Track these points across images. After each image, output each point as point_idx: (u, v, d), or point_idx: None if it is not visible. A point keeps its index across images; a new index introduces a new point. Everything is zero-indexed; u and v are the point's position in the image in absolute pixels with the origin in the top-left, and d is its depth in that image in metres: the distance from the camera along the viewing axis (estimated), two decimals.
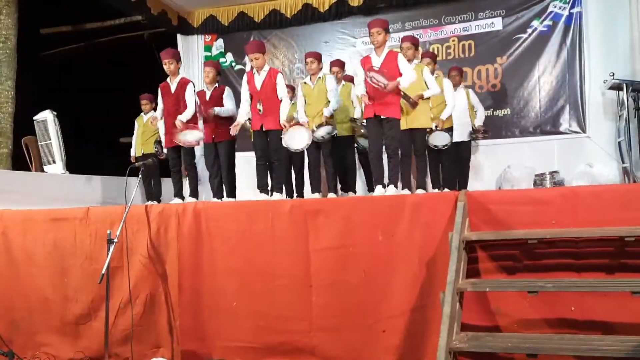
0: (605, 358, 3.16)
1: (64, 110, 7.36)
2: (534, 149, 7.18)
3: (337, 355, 4.05)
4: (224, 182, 6.08)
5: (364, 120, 5.68)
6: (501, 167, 7.02)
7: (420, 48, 6.22)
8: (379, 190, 5.17)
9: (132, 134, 7.55)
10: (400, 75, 5.08)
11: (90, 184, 7.33)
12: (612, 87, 6.50)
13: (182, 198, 5.97)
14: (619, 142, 6.54)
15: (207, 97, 6.16)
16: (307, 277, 4.19)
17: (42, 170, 7.34)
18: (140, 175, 4.87)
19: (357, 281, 4.06)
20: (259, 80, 5.57)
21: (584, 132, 7.12)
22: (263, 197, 5.58)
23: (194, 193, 6.04)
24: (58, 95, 8.99)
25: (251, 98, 5.64)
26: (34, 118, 7.39)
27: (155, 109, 7.18)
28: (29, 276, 5.01)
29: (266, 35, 8.70)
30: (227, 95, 6.21)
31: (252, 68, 5.69)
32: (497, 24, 7.57)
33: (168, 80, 5.97)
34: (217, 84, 6.24)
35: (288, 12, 8.34)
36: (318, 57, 6.11)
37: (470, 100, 6.79)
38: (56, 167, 7.25)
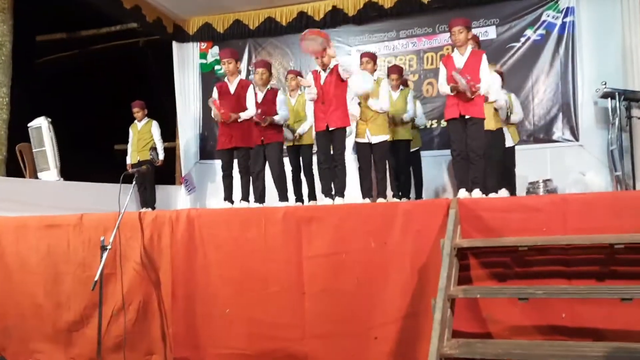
0: None
1: (58, 117, 7.38)
2: (527, 157, 7.20)
3: None
4: (276, 185, 6.02)
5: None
6: None
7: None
8: (462, 193, 5.04)
9: (127, 141, 7.57)
10: (480, 79, 4.96)
11: (84, 191, 7.33)
12: (604, 96, 6.55)
13: (232, 202, 5.93)
14: (612, 151, 6.58)
15: (260, 100, 6.04)
16: (300, 284, 4.19)
17: (36, 177, 7.34)
18: (134, 182, 4.88)
19: (349, 288, 4.07)
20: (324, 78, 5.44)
21: (577, 140, 7.17)
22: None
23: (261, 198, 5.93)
24: (53, 102, 8.99)
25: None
26: (29, 125, 7.41)
27: (147, 116, 7.22)
28: (21, 283, 5.00)
29: (261, 43, 8.75)
30: (281, 100, 6.12)
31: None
32: (491, 32, 7.63)
33: (226, 79, 5.91)
34: (269, 86, 6.18)
35: (283, 20, 8.39)
36: (374, 58, 5.99)
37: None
38: (50, 174, 7.26)
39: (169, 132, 8.58)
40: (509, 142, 6.44)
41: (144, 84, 7.72)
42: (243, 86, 5.84)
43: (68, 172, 7.42)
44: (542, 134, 7.33)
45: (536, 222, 3.72)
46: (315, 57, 5.47)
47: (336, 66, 5.38)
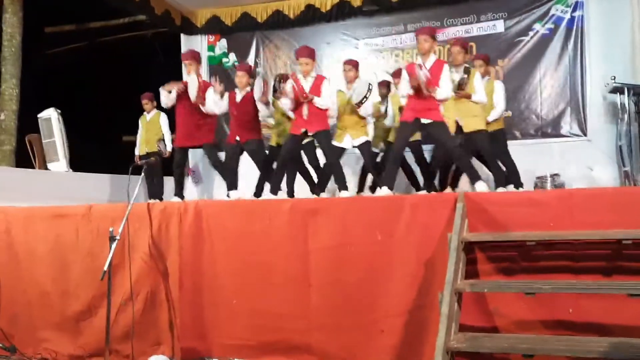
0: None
1: (67, 109, 7.41)
2: (534, 152, 7.19)
3: (335, 354, 4.08)
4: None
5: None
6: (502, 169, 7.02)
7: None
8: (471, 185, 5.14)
9: (136, 132, 7.59)
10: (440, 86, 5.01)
11: (93, 182, 7.38)
12: (613, 91, 6.51)
13: (182, 197, 6.00)
14: (620, 146, 6.55)
15: (239, 100, 6.13)
16: (306, 276, 4.21)
17: (46, 168, 7.39)
18: (142, 174, 4.91)
19: (355, 281, 4.08)
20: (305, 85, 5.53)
21: (585, 135, 7.14)
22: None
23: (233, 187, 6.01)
24: (62, 93, 9.04)
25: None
26: (38, 116, 7.44)
27: (157, 107, 7.26)
28: (30, 272, 5.04)
29: (269, 36, 8.74)
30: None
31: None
32: (499, 26, 7.59)
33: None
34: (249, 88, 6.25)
35: (291, 13, 8.37)
36: (356, 65, 6.04)
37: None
38: (60, 164, 7.30)
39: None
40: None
41: (152, 76, 7.73)
42: (203, 87, 5.97)
43: (77, 163, 7.46)
44: (550, 129, 7.30)
45: (544, 217, 3.72)
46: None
47: (318, 77, 5.53)
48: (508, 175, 5.91)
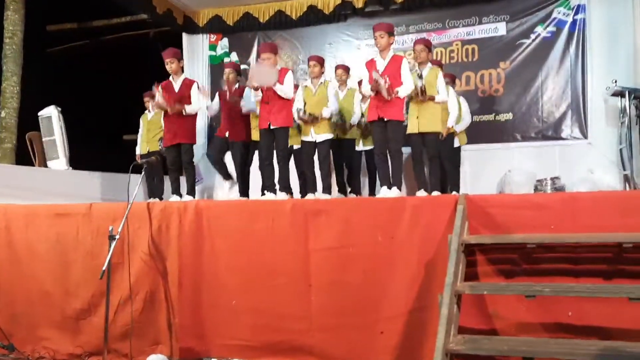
0: None
1: (68, 107, 7.41)
2: (535, 154, 7.19)
3: (336, 354, 4.07)
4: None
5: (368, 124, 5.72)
6: (502, 171, 7.03)
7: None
8: (383, 191, 5.22)
9: (136, 131, 7.58)
10: (401, 83, 5.14)
11: (93, 181, 7.37)
12: (614, 94, 6.51)
13: (180, 195, 6.00)
14: (621, 149, 6.54)
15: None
16: (307, 277, 4.21)
17: (46, 166, 7.38)
18: (143, 173, 4.90)
19: (356, 281, 4.09)
20: None
21: (586, 138, 7.13)
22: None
23: (192, 191, 6.08)
24: (63, 91, 9.03)
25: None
26: (39, 114, 7.43)
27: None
28: (30, 271, 5.04)
29: (271, 36, 8.72)
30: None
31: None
32: (501, 29, 7.58)
33: (171, 79, 6.02)
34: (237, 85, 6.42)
35: (293, 14, 8.37)
36: (321, 61, 6.16)
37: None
38: (60, 162, 7.29)
39: None
40: (456, 143, 6.53)
41: (154, 75, 7.72)
42: (187, 84, 5.96)
43: (77, 161, 7.45)
44: (550, 132, 7.29)
45: (544, 220, 3.72)
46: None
47: (283, 69, 5.62)
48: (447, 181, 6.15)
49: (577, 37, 7.22)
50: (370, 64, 5.31)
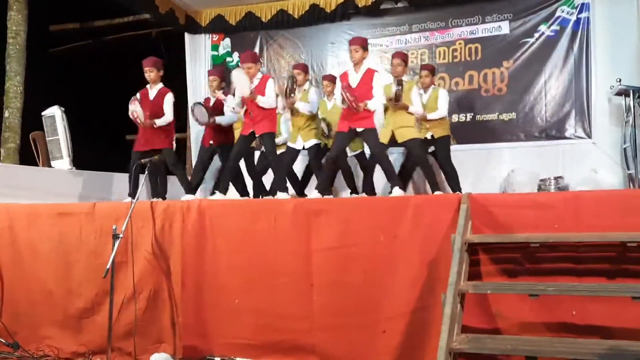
0: None
1: (71, 107, 7.41)
2: (538, 154, 7.17)
3: (337, 354, 4.08)
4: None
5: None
6: (505, 171, 7.02)
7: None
8: (314, 194, 5.48)
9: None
10: (372, 96, 5.32)
11: (97, 180, 7.38)
12: (618, 93, 6.50)
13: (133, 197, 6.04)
14: (625, 149, 6.53)
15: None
16: (309, 276, 4.21)
17: (49, 166, 7.38)
18: (146, 172, 4.91)
19: (358, 281, 4.08)
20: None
21: (590, 137, 7.09)
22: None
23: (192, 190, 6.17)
24: (66, 91, 9.04)
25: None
26: (42, 114, 7.43)
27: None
28: (33, 270, 5.05)
29: (273, 36, 8.73)
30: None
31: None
32: (504, 27, 7.56)
33: (148, 87, 6.08)
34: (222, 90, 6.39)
35: (295, 13, 8.35)
36: (305, 69, 6.37)
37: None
38: (63, 162, 7.29)
39: (180, 123, 8.57)
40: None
41: None
42: (162, 94, 6.00)
43: (80, 161, 7.46)
44: (554, 131, 7.26)
45: (548, 219, 3.71)
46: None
47: (263, 78, 5.72)
48: (448, 181, 6.28)
49: (581, 36, 7.19)
50: (344, 77, 5.47)
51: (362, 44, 5.40)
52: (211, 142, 6.33)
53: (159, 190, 6.91)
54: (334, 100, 6.54)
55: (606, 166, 6.74)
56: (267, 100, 5.63)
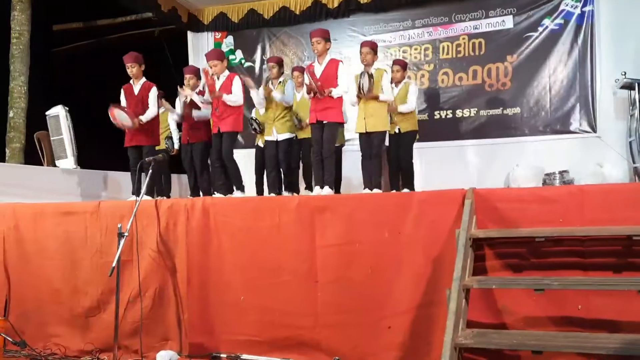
0: (610, 356, 3.16)
1: (75, 106, 7.42)
2: (543, 148, 7.15)
3: (342, 350, 4.07)
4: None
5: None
6: (510, 166, 7.00)
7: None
8: (317, 190, 5.47)
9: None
10: (337, 85, 5.37)
11: (101, 179, 7.42)
12: (623, 87, 6.47)
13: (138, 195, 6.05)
14: (630, 142, 6.51)
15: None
16: (313, 273, 4.22)
17: (54, 165, 7.41)
18: (150, 171, 4.91)
19: (362, 278, 4.08)
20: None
21: (594, 131, 7.07)
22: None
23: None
24: (70, 91, 9.07)
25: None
26: (46, 113, 7.46)
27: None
28: (40, 268, 5.07)
29: (275, 33, 8.73)
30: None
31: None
32: (508, 22, 7.54)
33: (131, 82, 6.10)
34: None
35: (297, 9, 8.35)
36: (279, 62, 6.45)
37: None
38: (68, 162, 7.31)
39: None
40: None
41: (159, 73, 7.74)
42: (146, 88, 6.03)
43: (85, 160, 7.48)
44: (558, 125, 7.24)
45: (553, 213, 3.70)
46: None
47: (230, 76, 5.86)
48: (402, 178, 6.31)
49: (585, 29, 7.16)
50: (309, 68, 5.55)
51: (323, 36, 5.47)
52: (188, 139, 6.33)
53: (163, 188, 6.94)
54: (302, 91, 6.55)
55: (611, 160, 6.72)
56: (233, 98, 5.77)
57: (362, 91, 5.45)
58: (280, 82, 6.35)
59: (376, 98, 5.54)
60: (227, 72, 5.96)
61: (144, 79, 6.10)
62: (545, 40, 7.35)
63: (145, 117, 5.93)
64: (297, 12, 8.34)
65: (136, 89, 6.06)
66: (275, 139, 6.30)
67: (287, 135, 6.32)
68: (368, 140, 5.56)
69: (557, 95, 7.29)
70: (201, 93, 6.24)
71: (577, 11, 7.20)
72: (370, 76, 5.44)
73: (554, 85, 7.31)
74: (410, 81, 6.68)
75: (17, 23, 8.32)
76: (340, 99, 5.46)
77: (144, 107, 5.98)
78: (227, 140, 5.83)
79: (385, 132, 5.71)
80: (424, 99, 7.79)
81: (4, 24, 8.36)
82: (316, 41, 5.47)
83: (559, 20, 7.30)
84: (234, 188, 5.94)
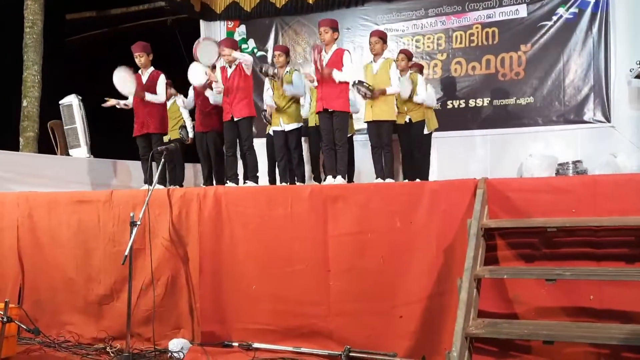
0: (621, 347, 3.14)
1: (88, 95, 7.47)
2: (557, 138, 7.10)
3: (354, 339, 4.08)
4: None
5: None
6: (523, 156, 6.96)
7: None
8: (329, 179, 5.47)
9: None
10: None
11: (114, 168, 7.47)
12: (638, 76, 6.40)
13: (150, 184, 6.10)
14: None
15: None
16: (326, 262, 4.22)
17: (68, 154, 7.47)
18: (163, 160, 4.94)
19: (374, 267, 4.08)
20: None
21: (609, 121, 7.00)
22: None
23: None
24: (83, 80, 9.11)
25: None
26: (60, 102, 7.52)
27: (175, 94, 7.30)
28: (53, 257, 5.13)
29: (288, 22, 8.70)
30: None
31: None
32: (522, 11, 7.45)
33: (140, 72, 6.15)
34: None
35: None
36: (286, 51, 6.45)
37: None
38: (81, 150, 7.38)
39: None
40: (425, 130, 6.56)
41: (172, 62, 7.75)
42: (154, 76, 6.10)
43: (98, 149, 7.53)
44: (572, 115, 7.18)
45: (565, 203, 3.66)
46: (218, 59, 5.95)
47: (240, 63, 5.82)
48: (414, 168, 6.32)
49: (600, 18, 7.06)
50: (316, 48, 5.62)
51: (331, 25, 5.53)
52: (202, 127, 6.39)
53: (176, 177, 6.97)
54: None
55: (626, 150, 6.65)
56: (156, 97, 5.95)
57: (366, 98, 5.54)
58: (287, 71, 6.31)
59: (383, 93, 5.59)
60: (151, 68, 6.08)
61: (152, 68, 6.14)
62: (560, 29, 7.26)
63: (150, 97, 5.99)
64: (310, 1, 8.30)
65: (144, 77, 6.11)
66: (282, 129, 6.30)
67: (294, 126, 6.32)
68: (376, 130, 5.58)
69: (571, 85, 7.22)
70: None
71: (592, 0, 7.10)
72: (367, 87, 5.49)
73: (567, 75, 7.24)
74: (416, 73, 6.59)
75: (30, 12, 8.36)
76: (346, 88, 5.46)
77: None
78: (245, 130, 5.84)
79: (392, 121, 5.72)
80: (437, 88, 7.74)
81: (18, 13, 8.40)
82: (324, 30, 5.51)
83: (573, 9, 7.21)
84: (249, 177, 5.93)
